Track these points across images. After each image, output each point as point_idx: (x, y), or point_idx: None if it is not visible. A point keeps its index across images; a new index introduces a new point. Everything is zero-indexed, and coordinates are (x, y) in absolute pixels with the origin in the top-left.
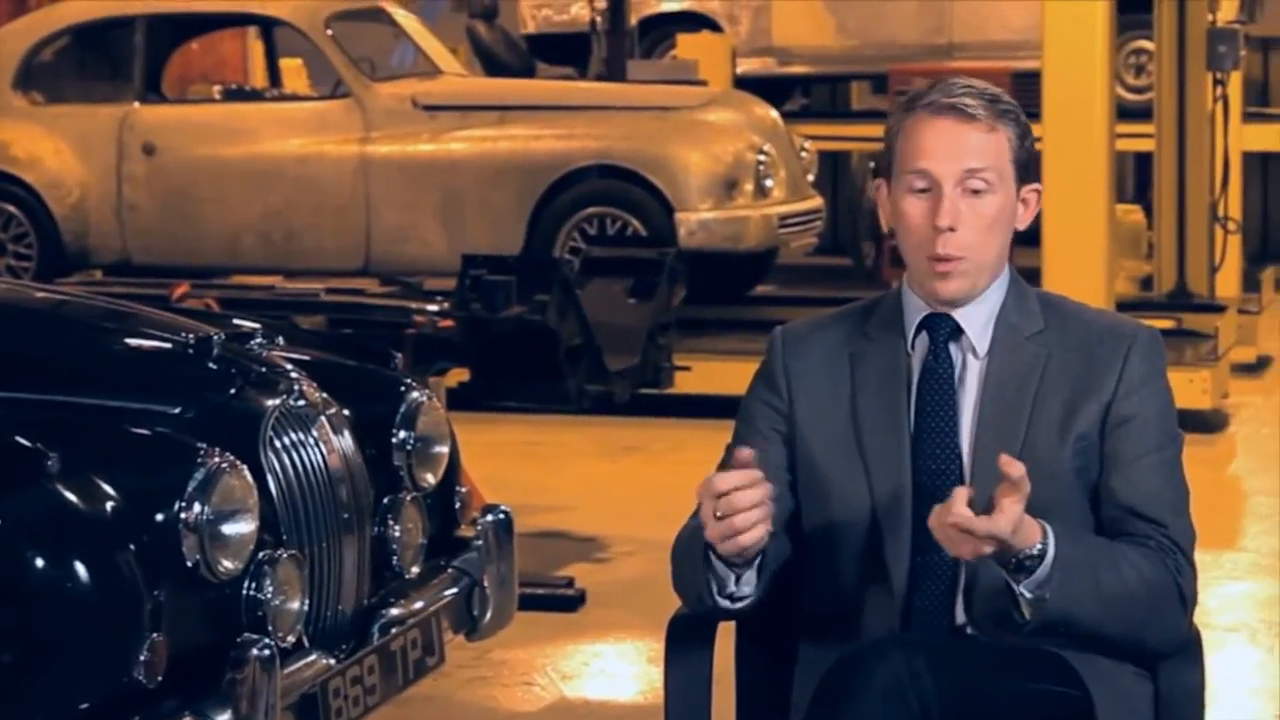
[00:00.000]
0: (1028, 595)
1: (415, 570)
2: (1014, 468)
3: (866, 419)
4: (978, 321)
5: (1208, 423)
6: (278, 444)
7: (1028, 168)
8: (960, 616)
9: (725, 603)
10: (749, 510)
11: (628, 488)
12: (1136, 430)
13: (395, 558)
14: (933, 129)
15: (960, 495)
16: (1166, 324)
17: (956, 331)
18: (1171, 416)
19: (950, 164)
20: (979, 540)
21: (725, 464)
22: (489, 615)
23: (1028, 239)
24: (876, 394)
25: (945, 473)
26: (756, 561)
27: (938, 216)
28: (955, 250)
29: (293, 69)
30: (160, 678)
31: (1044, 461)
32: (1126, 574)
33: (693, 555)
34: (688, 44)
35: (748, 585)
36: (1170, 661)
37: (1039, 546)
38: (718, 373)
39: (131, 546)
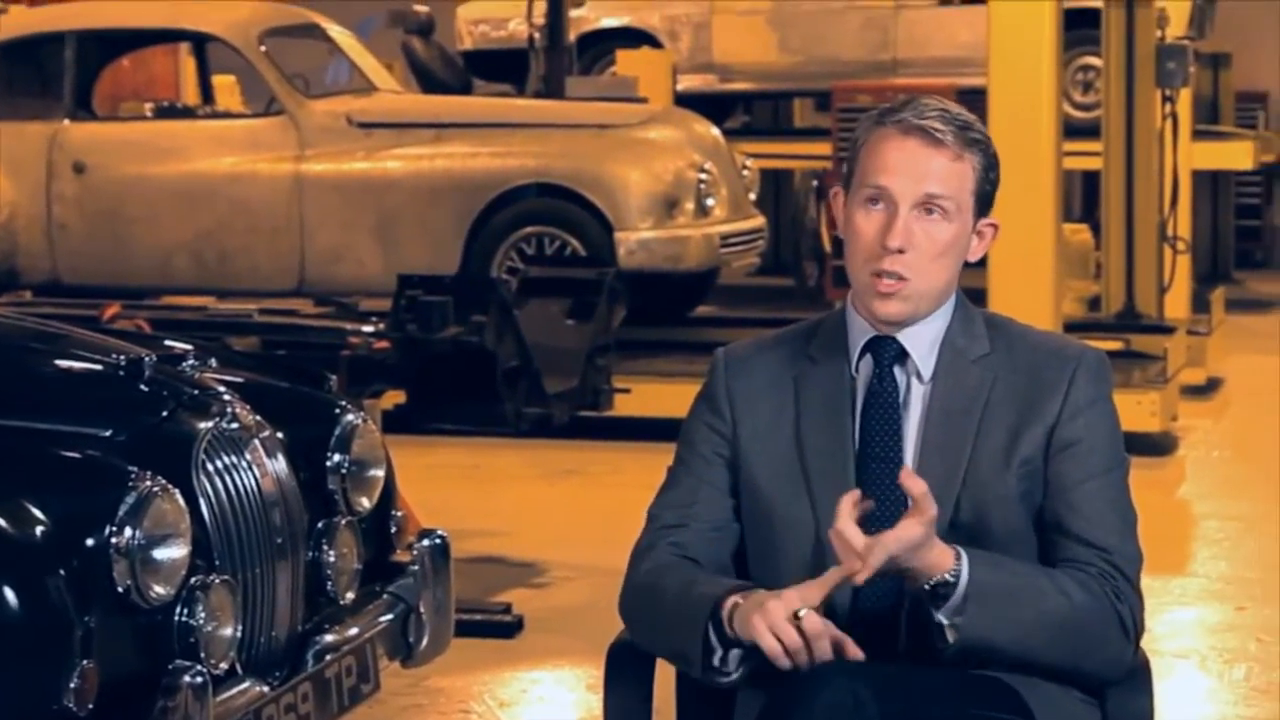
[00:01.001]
0: (945, 621)
1: (350, 596)
2: (914, 484)
3: (810, 442)
4: (923, 344)
5: (1156, 446)
6: (210, 467)
7: (988, 200)
8: (904, 643)
9: (712, 675)
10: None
11: (567, 512)
12: (1081, 454)
13: (330, 583)
14: (898, 147)
15: (846, 502)
16: (1114, 345)
17: (901, 355)
18: (1118, 440)
19: (910, 185)
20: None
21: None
22: (425, 642)
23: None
24: (820, 417)
25: (890, 497)
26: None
27: (889, 236)
28: (902, 270)
29: (225, 86)
30: (91, 705)
31: (988, 485)
32: (1054, 601)
33: (678, 616)
34: (627, 60)
35: (733, 662)
36: (1118, 688)
37: (952, 572)
38: (658, 395)
39: (61, 571)
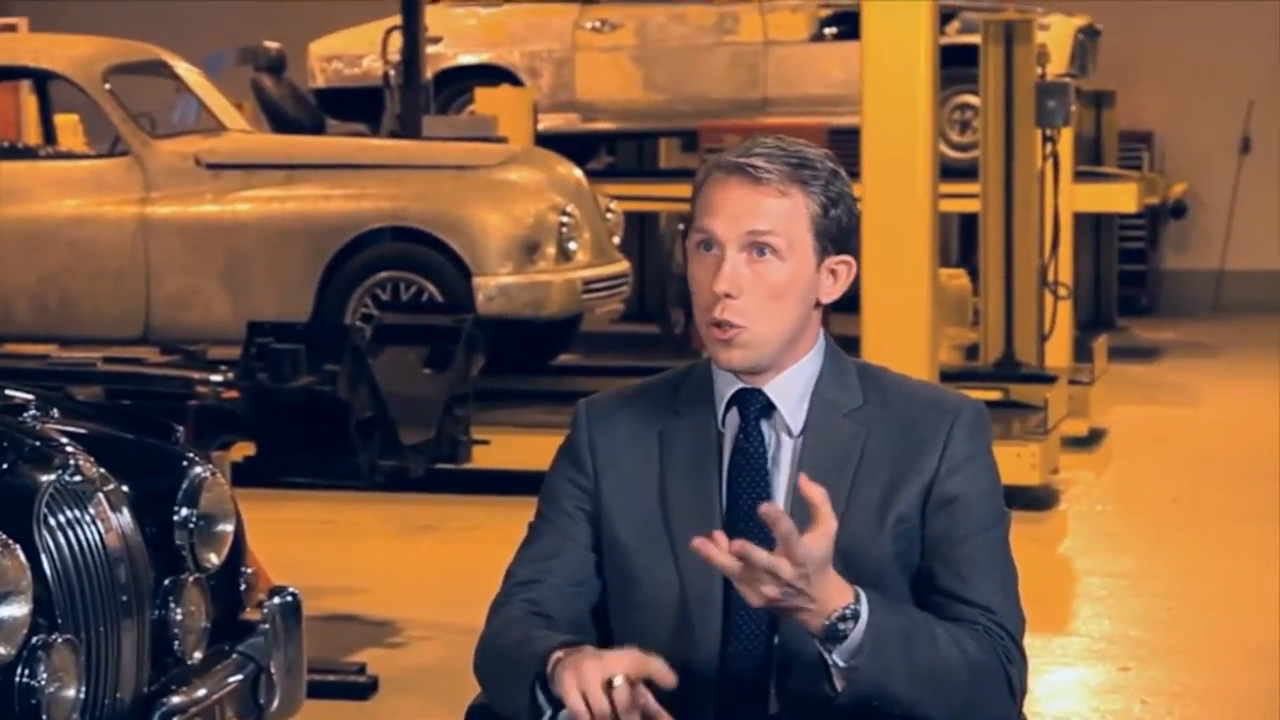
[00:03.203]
0: (840, 664)
1: (198, 655)
2: (813, 490)
3: (676, 501)
4: (791, 397)
5: (1037, 499)
6: (52, 522)
7: (837, 238)
8: (774, 705)
9: None
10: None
11: (423, 569)
12: (960, 512)
13: (177, 642)
14: (722, 188)
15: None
16: (993, 395)
17: (768, 408)
18: (997, 495)
19: (732, 225)
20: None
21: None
22: (276, 703)
23: (846, 305)
24: (686, 475)
25: None
26: None
27: (716, 280)
28: (735, 318)
29: (68, 125)
30: None
31: (863, 546)
32: (947, 651)
33: (513, 672)
34: (487, 99)
35: None
36: None
37: (851, 607)
38: (519, 447)
39: None
